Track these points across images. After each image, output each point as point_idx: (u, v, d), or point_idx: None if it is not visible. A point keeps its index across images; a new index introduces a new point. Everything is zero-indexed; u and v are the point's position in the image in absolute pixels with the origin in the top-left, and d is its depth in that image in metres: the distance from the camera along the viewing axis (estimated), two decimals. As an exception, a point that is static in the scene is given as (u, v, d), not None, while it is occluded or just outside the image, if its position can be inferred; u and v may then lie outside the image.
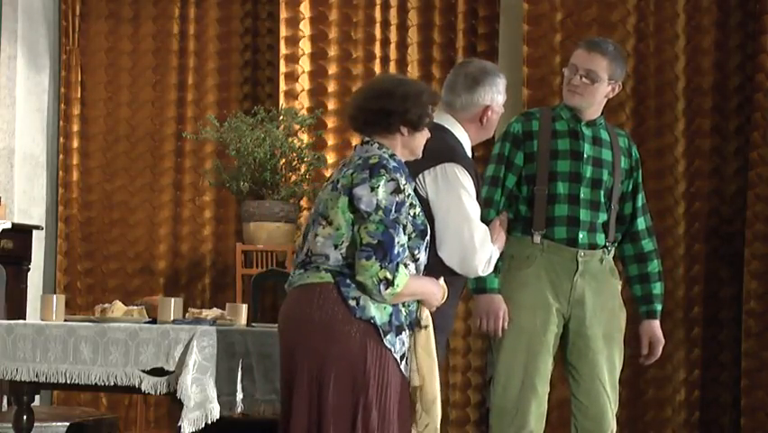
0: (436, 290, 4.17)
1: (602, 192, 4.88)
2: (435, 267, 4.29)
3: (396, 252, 3.98)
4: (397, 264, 3.98)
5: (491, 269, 4.45)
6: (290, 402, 4.05)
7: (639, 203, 5.01)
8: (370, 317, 4.01)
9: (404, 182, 4.07)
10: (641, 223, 5.01)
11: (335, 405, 3.98)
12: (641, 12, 7.24)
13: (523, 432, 4.79)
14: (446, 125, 4.50)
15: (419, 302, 4.14)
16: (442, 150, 4.39)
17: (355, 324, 4.00)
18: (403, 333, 4.08)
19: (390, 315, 4.05)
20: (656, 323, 5.00)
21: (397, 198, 4.02)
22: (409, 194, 4.09)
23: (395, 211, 4.01)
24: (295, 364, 4.04)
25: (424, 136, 4.19)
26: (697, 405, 7.05)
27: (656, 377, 7.07)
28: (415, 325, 4.14)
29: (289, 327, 4.09)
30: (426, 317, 4.15)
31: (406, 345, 4.10)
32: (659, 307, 5.01)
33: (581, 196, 4.85)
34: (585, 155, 4.86)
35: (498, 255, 4.47)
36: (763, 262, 6.90)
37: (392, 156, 4.12)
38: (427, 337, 4.13)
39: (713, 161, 7.10)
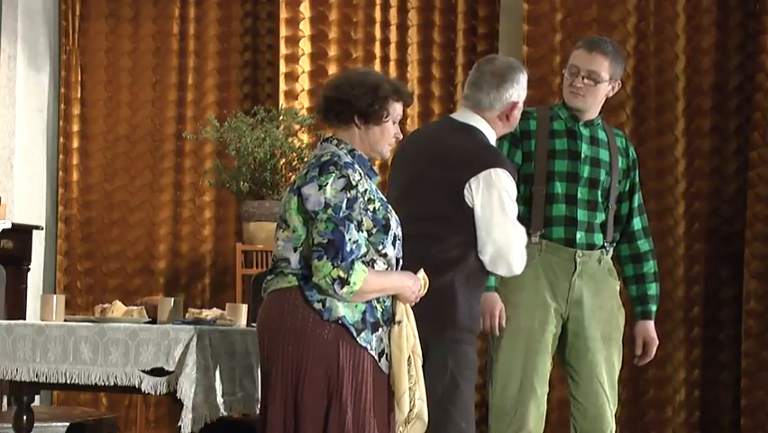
0: (411, 284, 4.10)
1: (600, 192, 4.89)
2: (481, 268, 4.36)
3: (348, 249, 3.92)
4: (352, 262, 3.92)
5: (524, 265, 4.45)
6: (266, 409, 4.03)
7: (636, 203, 5.01)
8: (339, 317, 3.97)
9: (357, 178, 4.01)
10: (637, 223, 5.01)
11: (310, 407, 3.96)
12: (641, 12, 7.24)
13: (524, 430, 4.79)
14: (474, 124, 4.50)
15: (395, 297, 4.10)
16: (484, 154, 4.41)
17: (326, 326, 3.97)
18: (380, 329, 4.04)
19: (363, 312, 4.01)
20: (651, 324, 5.00)
21: (348, 195, 3.97)
22: (366, 189, 4.03)
23: (345, 208, 3.95)
24: (270, 370, 4.02)
25: (384, 132, 4.12)
26: (697, 405, 7.05)
27: (656, 377, 7.07)
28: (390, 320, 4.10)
29: (265, 333, 4.06)
30: (401, 312, 4.10)
31: (385, 341, 4.07)
32: (654, 307, 5.02)
33: (579, 196, 4.85)
34: (583, 155, 4.87)
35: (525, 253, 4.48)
36: (763, 262, 6.91)
37: (351, 151, 4.08)
38: (399, 333, 4.09)
39: (713, 161, 7.11)
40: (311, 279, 3.96)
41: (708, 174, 7.10)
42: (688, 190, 7.11)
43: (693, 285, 7.09)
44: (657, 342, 5.01)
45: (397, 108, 4.13)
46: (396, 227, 4.10)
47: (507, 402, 4.81)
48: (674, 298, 7.02)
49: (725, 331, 7.06)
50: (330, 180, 3.96)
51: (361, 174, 4.05)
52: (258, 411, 4.65)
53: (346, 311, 3.98)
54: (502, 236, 4.36)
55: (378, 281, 4.01)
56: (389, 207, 4.11)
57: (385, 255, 4.05)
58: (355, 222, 3.96)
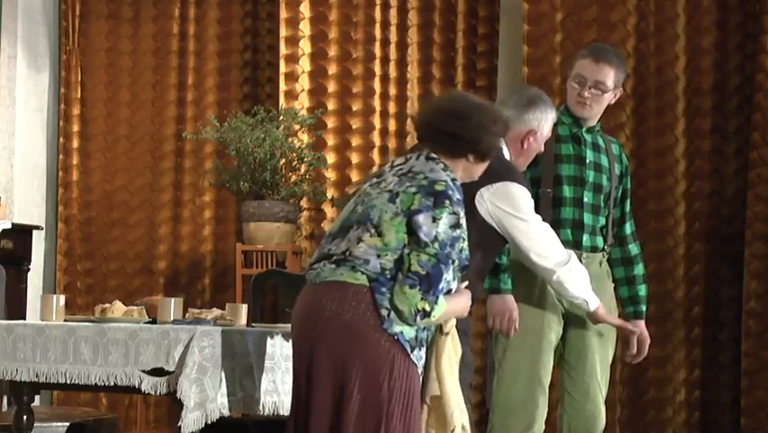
0: (466, 302, 4.14)
1: (602, 197, 5.01)
2: (477, 274, 4.43)
3: (441, 287, 3.93)
4: (437, 298, 3.93)
5: (562, 249, 4.58)
6: (309, 400, 3.98)
7: (627, 208, 5.14)
8: (398, 331, 3.94)
9: (462, 215, 4.01)
10: (628, 228, 5.14)
11: (358, 410, 3.93)
12: (641, 12, 7.24)
13: (534, 426, 4.86)
14: None
15: None
16: (499, 167, 4.42)
17: (384, 334, 3.94)
18: (423, 349, 4.04)
19: (417, 330, 3.99)
20: (643, 323, 5.11)
21: (455, 234, 3.96)
22: (464, 228, 4.04)
23: (450, 246, 3.94)
24: (317, 362, 3.97)
25: (486, 164, 4.16)
26: (697, 405, 7.05)
27: (656, 377, 7.07)
28: (437, 331, 4.10)
29: (312, 322, 4.00)
30: (451, 323, 4.12)
31: (423, 360, 4.06)
32: (644, 308, 5.14)
33: (585, 199, 4.97)
34: (587, 160, 4.99)
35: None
36: (763, 262, 6.90)
37: (453, 180, 4.05)
38: (451, 346, 4.12)
39: (713, 161, 7.10)
40: (385, 285, 3.93)
41: (708, 174, 7.10)
42: (688, 190, 7.11)
43: (693, 285, 7.08)
44: (649, 340, 5.10)
45: None
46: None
47: (514, 399, 4.88)
48: (674, 298, 7.02)
49: (725, 331, 7.05)
50: (444, 215, 3.94)
51: (463, 209, 4.05)
52: (258, 412, 4.66)
53: (404, 327, 3.96)
54: (528, 240, 4.49)
55: (449, 309, 4.02)
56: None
57: (450, 291, 4.04)
58: (451, 261, 3.96)
